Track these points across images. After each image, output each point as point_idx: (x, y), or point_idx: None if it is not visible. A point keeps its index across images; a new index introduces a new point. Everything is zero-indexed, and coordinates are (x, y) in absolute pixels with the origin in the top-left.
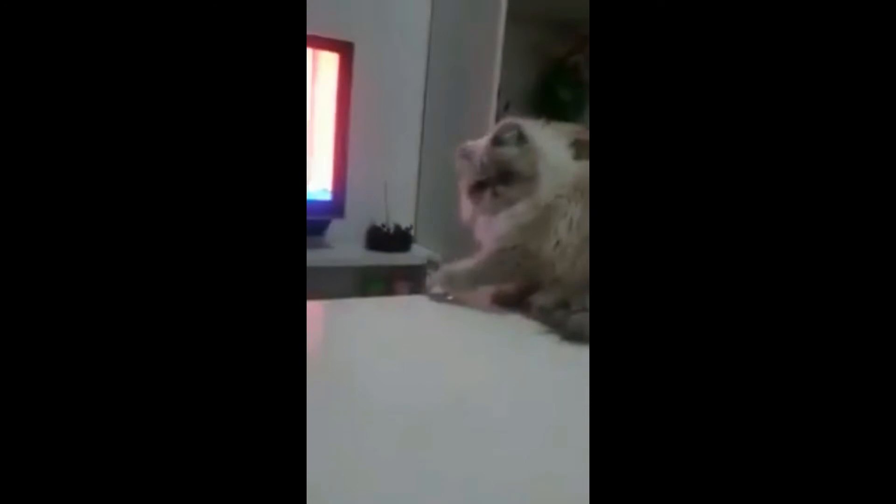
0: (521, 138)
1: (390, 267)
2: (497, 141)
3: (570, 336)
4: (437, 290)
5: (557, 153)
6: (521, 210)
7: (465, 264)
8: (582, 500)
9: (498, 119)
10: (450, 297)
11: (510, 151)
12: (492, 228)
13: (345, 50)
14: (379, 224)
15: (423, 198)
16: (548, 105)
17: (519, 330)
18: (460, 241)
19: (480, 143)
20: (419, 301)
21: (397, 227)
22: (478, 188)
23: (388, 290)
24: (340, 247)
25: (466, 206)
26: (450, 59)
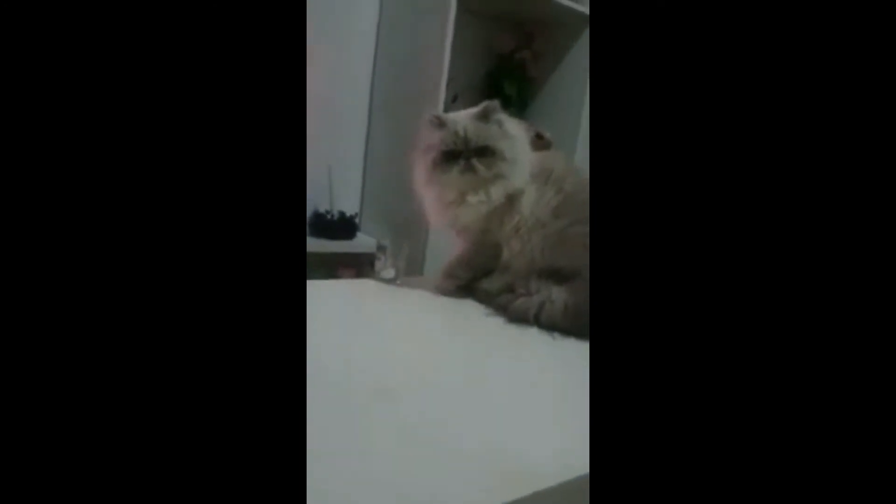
0: (501, 122)
1: (333, 254)
2: (482, 116)
3: (514, 319)
4: (386, 274)
5: (525, 143)
6: (495, 194)
7: (456, 257)
8: (531, 471)
9: (446, 110)
10: (398, 282)
11: (493, 129)
12: (462, 208)
13: None
14: (322, 210)
15: (368, 186)
16: (493, 98)
17: (465, 313)
18: (407, 230)
19: (459, 115)
20: (368, 285)
21: (342, 215)
22: (448, 158)
23: (330, 278)
24: None
25: (424, 174)
26: (399, 46)
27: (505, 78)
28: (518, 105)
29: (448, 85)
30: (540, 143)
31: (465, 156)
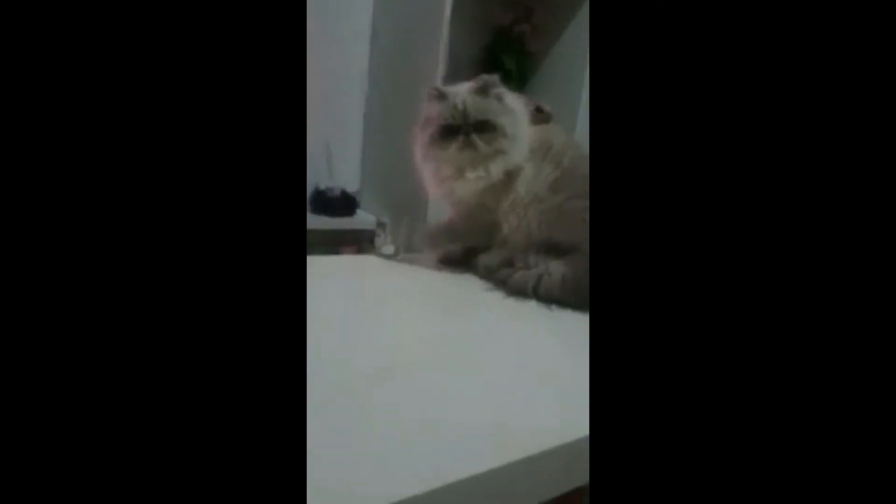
0: (501, 96)
1: (333, 232)
2: (481, 90)
3: (514, 292)
4: (386, 250)
5: (525, 118)
6: (494, 171)
7: (441, 223)
8: (532, 447)
9: (444, 84)
10: (398, 258)
11: (492, 104)
12: (460, 182)
13: None
14: (323, 187)
15: (368, 163)
16: (492, 73)
17: (466, 288)
18: (407, 207)
19: (459, 88)
20: (369, 261)
21: (342, 192)
22: (447, 132)
23: (330, 255)
24: None
25: (422, 148)
26: (397, 20)
27: (503, 52)
28: (518, 79)
29: (446, 58)
30: (540, 116)
31: (464, 130)
